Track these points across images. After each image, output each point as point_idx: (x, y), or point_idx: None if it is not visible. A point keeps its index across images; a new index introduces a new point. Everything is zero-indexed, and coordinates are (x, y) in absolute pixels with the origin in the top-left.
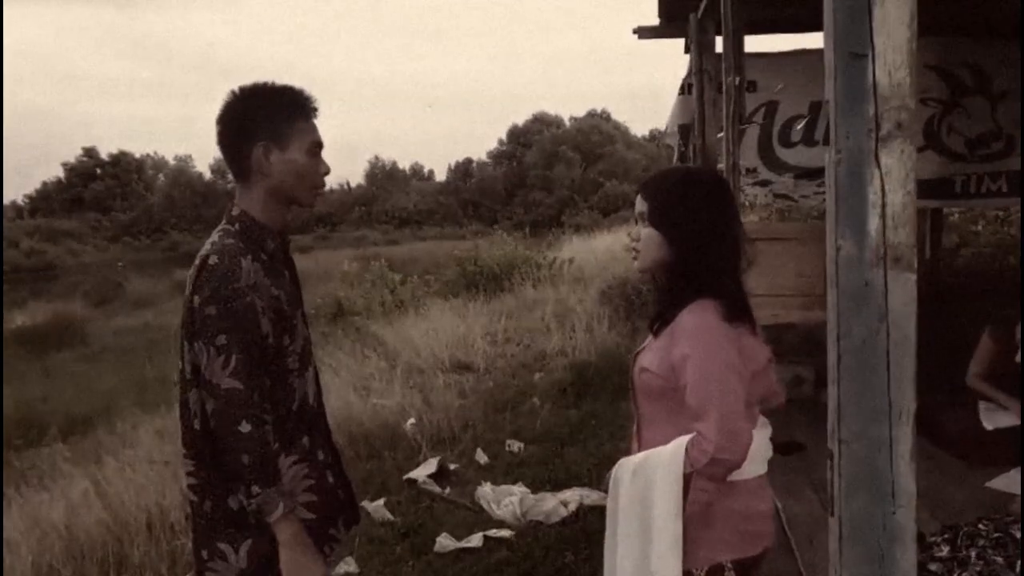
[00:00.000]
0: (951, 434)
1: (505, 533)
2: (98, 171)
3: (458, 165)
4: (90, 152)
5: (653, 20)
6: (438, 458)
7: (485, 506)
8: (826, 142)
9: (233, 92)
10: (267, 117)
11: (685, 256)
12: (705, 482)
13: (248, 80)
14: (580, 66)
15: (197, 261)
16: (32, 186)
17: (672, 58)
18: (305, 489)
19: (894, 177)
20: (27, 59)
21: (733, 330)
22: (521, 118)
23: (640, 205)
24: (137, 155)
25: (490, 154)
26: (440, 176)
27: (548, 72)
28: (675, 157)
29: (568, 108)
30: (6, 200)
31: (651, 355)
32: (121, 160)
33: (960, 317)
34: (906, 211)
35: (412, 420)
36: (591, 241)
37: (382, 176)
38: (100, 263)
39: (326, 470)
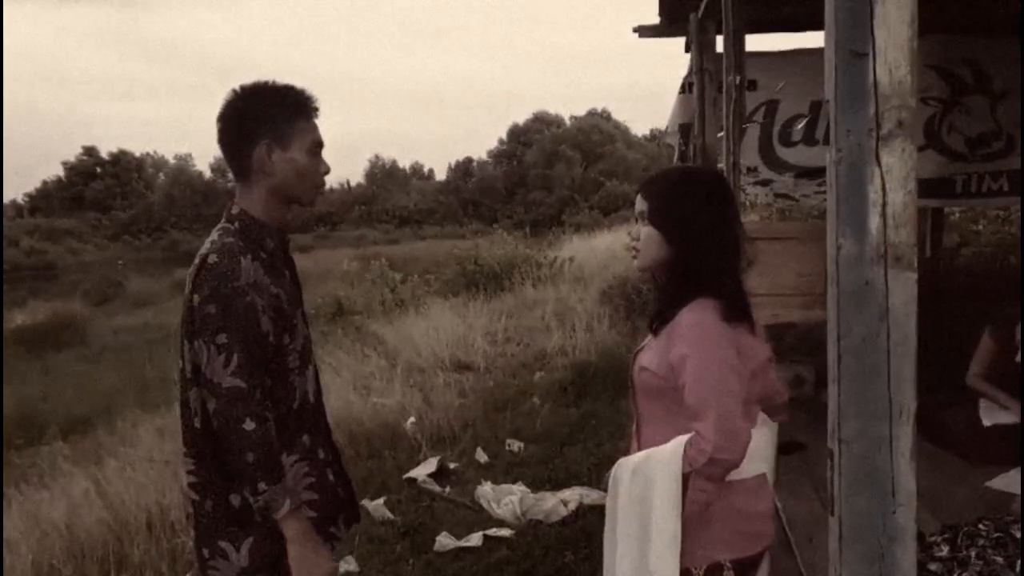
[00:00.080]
0: (951, 433)
1: (505, 532)
2: (98, 170)
3: (458, 164)
4: (90, 151)
5: (654, 19)
6: (438, 457)
7: (485, 505)
8: (827, 141)
9: (234, 91)
10: (269, 116)
11: (685, 255)
12: (704, 482)
13: (248, 80)
14: (580, 65)
15: (197, 260)
16: (32, 186)
17: (673, 57)
18: (306, 487)
19: (895, 176)
20: (27, 59)
21: (732, 329)
22: (521, 117)
23: (640, 204)
24: (137, 154)
25: (490, 153)
26: (440, 175)
27: (548, 71)
28: (675, 156)
29: (568, 107)
30: (6, 199)
31: (650, 354)
32: (121, 159)
33: (960, 317)
34: (907, 210)
35: (412, 419)
36: (591, 240)
37: (382, 175)
38: (100, 262)
39: (326, 468)
